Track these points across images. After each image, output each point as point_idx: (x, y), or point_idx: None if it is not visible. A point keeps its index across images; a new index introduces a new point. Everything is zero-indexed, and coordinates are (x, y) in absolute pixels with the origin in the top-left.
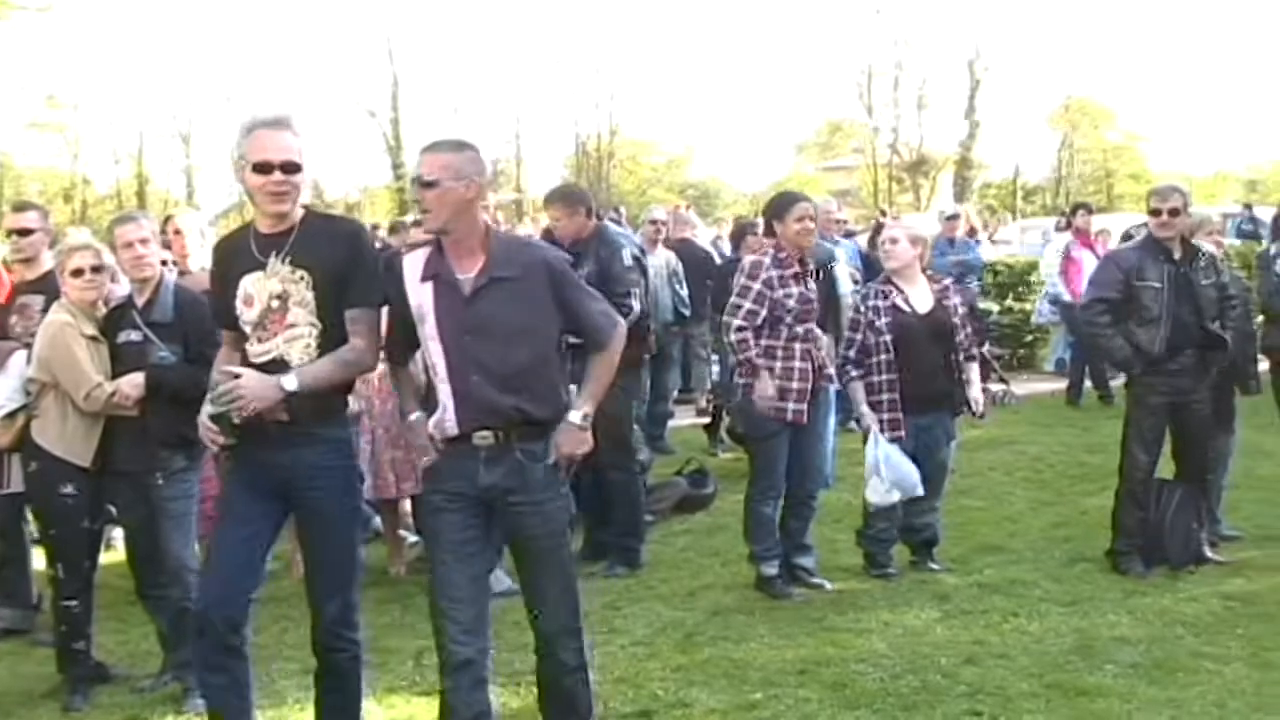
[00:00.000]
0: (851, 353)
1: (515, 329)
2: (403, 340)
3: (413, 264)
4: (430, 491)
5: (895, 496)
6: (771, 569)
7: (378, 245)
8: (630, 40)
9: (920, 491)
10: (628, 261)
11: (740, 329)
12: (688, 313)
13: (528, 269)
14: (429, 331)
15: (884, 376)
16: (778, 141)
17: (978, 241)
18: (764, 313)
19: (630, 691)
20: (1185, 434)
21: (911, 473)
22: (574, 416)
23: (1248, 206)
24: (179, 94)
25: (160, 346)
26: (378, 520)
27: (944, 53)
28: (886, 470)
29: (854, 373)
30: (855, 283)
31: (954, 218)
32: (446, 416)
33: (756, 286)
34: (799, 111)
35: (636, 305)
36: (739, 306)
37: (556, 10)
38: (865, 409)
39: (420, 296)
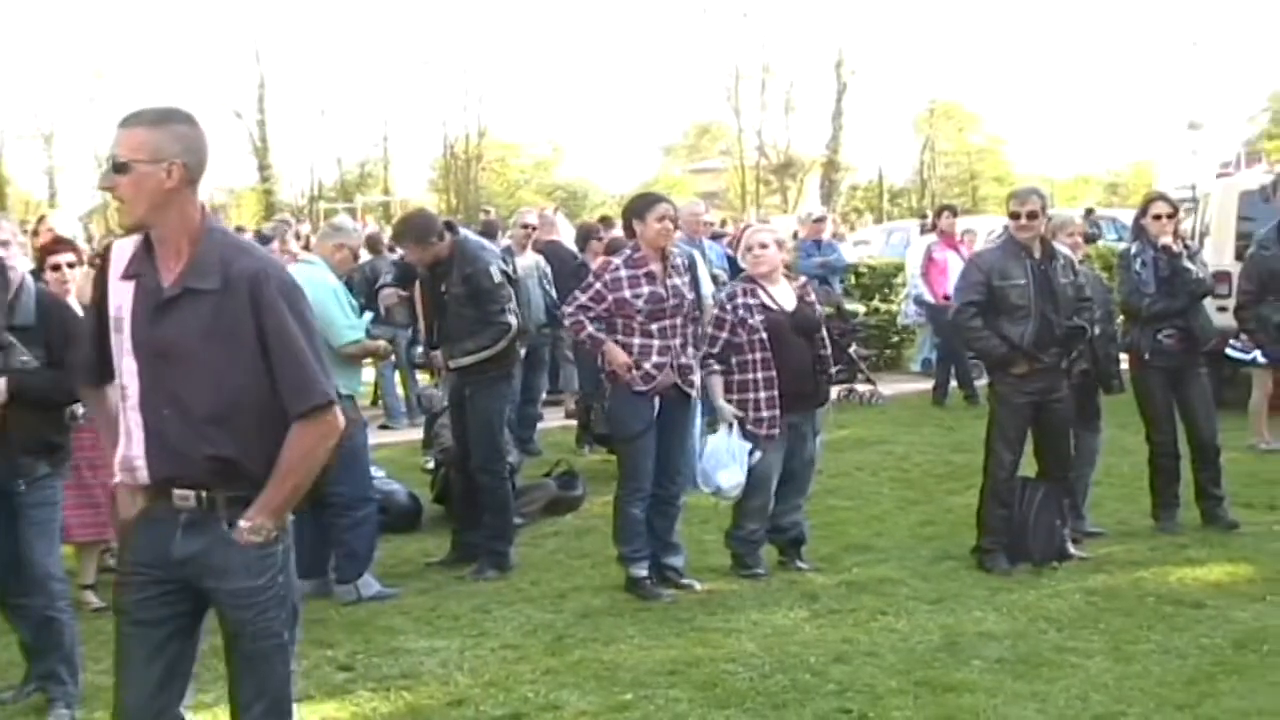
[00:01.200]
0: (715, 349)
1: (207, 356)
2: (96, 351)
3: (119, 254)
4: (121, 560)
5: (739, 488)
6: (641, 570)
7: None
8: (498, 42)
9: (737, 494)
10: (496, 278)
11: (571, 315)
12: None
13: (230, 282)
14: (124, 344)
15: (759, 374)
16: (645, 143)
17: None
18: (599, 308)
19: (500, 694)
20: (1047, 432)
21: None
22: (242, 524)
23: (1089, 211)
24: (40, 94)
25: (22, 351)
26: None
27: (811, 56)
28: (726, 457)
29: (716, 366)
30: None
31: (820, 220)
32: (134, 454)
33: (597, 284)
34: (667, 113)
35: (513, 320)
36: (576, 298)
37: (424, 11)
38: (722, 401)
39: (120, 297)
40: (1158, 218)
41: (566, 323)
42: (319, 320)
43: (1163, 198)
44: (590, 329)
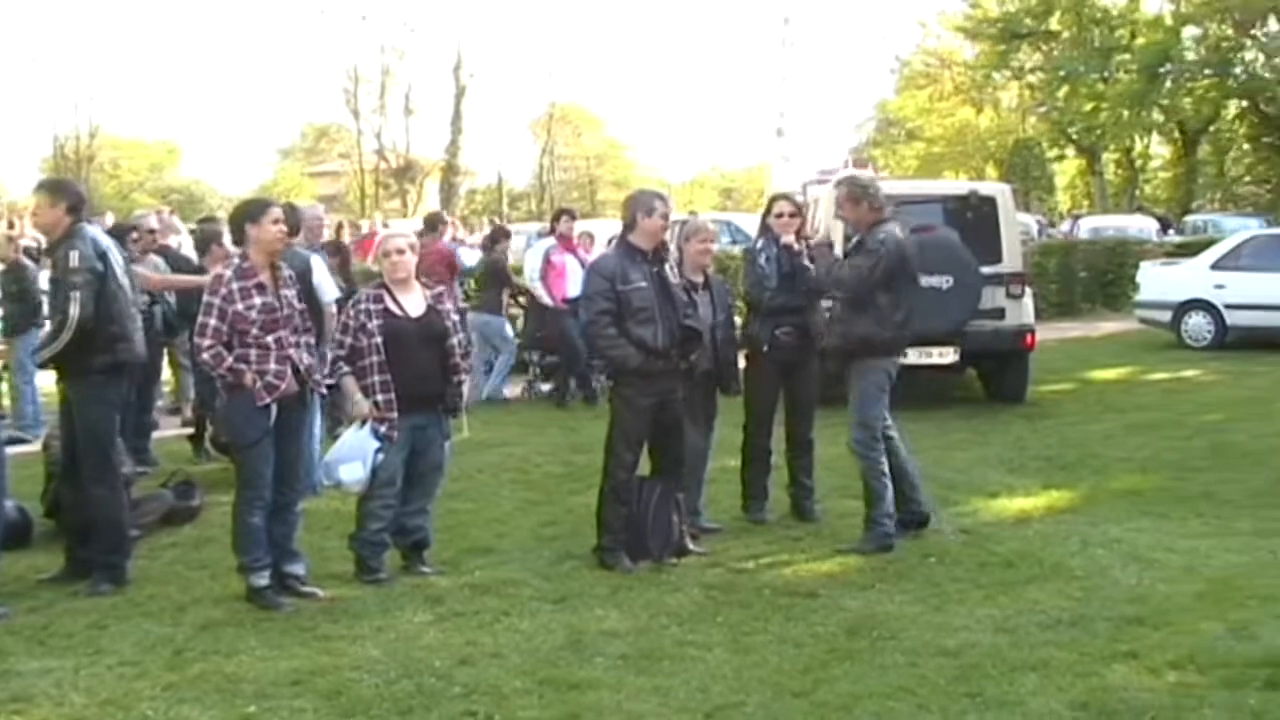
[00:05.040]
0: (343, 351)
1: None
2: None
3: None
4: None
5: (361, 484)
6: (262, 579)
7: None
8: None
9: (359, 489)
10: (73, 263)
11: (210, 348)
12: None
13: None
14: None
15: (376, 378)
16: (263, 145)
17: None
18: (225, 326)
19: (119, 713)
20: (666, 432)
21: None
22: None
23: (693, 213)
24: None
25: None
26: None
27: (430, 59)
28: (352, 453)
29: (345, 368)
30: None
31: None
32: None
33: (218, 302)
34: (285, 115)
35: (73, 311)
36: (205, 326)
37: (32, 7)
38: (358, 397)
39: None
40: (780, 216)
41: (205, 357)
42: None
43: (786, 198)
44: (229, 362)
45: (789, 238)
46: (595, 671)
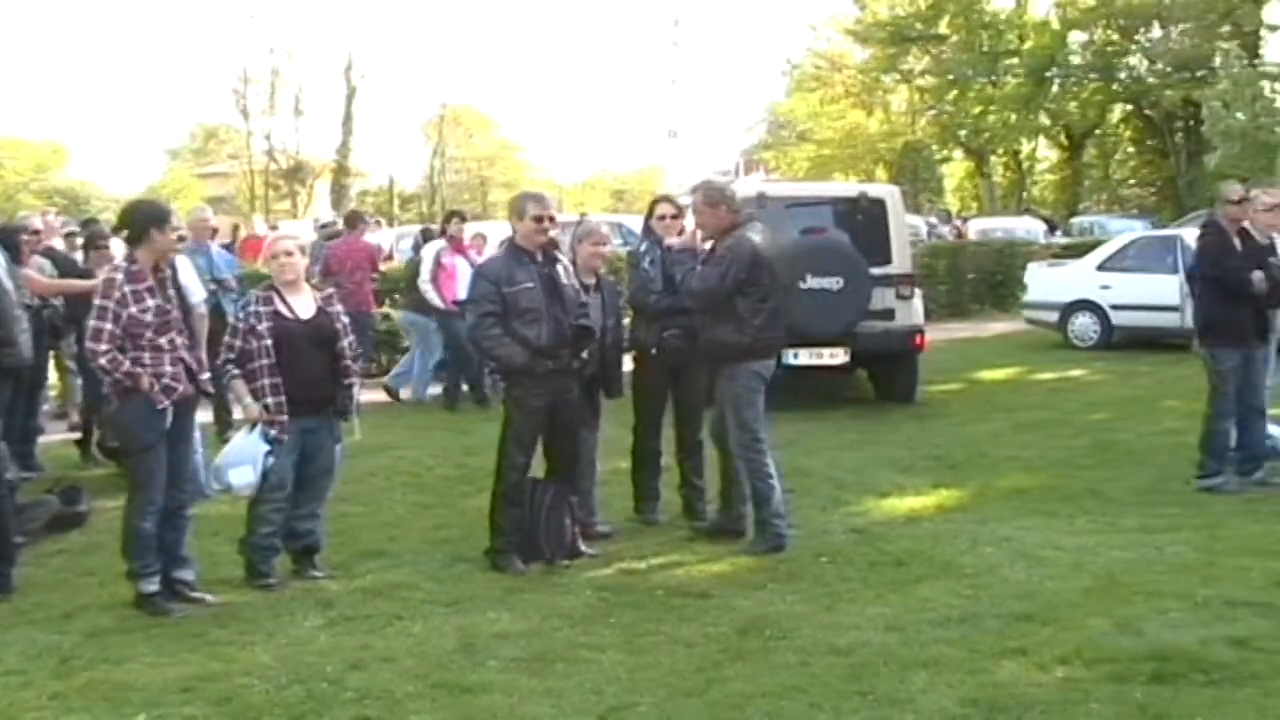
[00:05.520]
0: (233, 354)
1: None
2: None
3: None
4: None
5: (250, 488)
6: (152, 586)
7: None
8: None
9: (249, 492)
10: None
11: (107, 352)
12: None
13: None
14: None
15: (266, 380)
16: (152, 145)
17: None
18: (120, 330)
19: None
20: (558, 433)
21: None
22: None
23: (584, 215)
24: None
25: None
26: None
27: (321, 60)
28: (241, 456)
29: (235, 371)
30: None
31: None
32: None
33: (111, 306)
34: (173, 115)
35: None
36: (100, 331)
37: None
38: (249, 400)
39: None
40: (662, 219)
41: (101, 362)
42: None
43: (667, 200)
44: (126, 365)
45: (672, 240)
46: (488, 674)
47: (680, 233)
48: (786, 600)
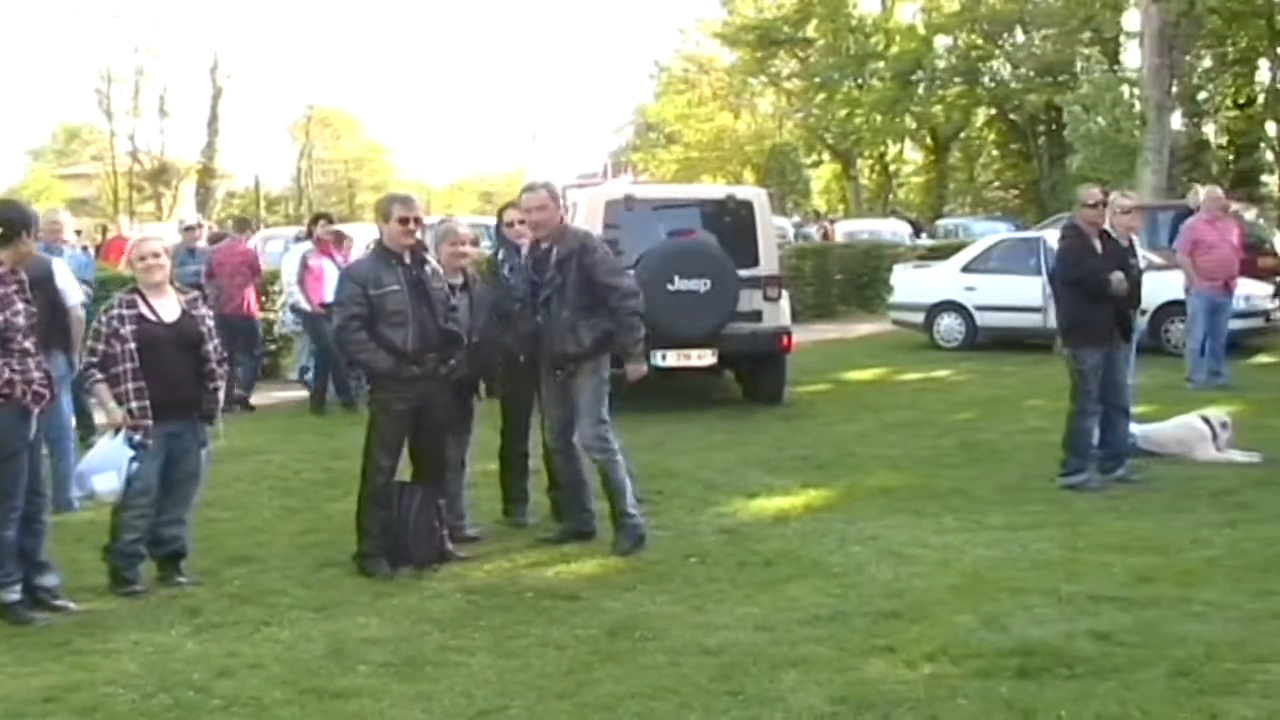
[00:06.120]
0: (95, 359)
1: None
2: None
3: None
4: None
5: (115, 494)
6: (13, 594)
7: None
8: None
9: (113, 499)
10: None
11: None
12: None
13: None
14: None
15: (130, 385)
16: (12, 146)
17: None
18: None
19: None
20: (426, 436)
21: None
22: None
23: (449, 217)
24: None
25: None
26: None
27: (186, 59)
28: (105, 462)
29: (98, 375)
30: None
31: (193, 228)
32: None
33: None
34: (35, 115)
35: None
36: None
37: None
38: (113, 404)
39: None
40: (511, 224)
41: None
42: None
43: (515, 205)
44: (7, 374)
45: (523, 242)
46: (357, 680)
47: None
48: (656, 601)
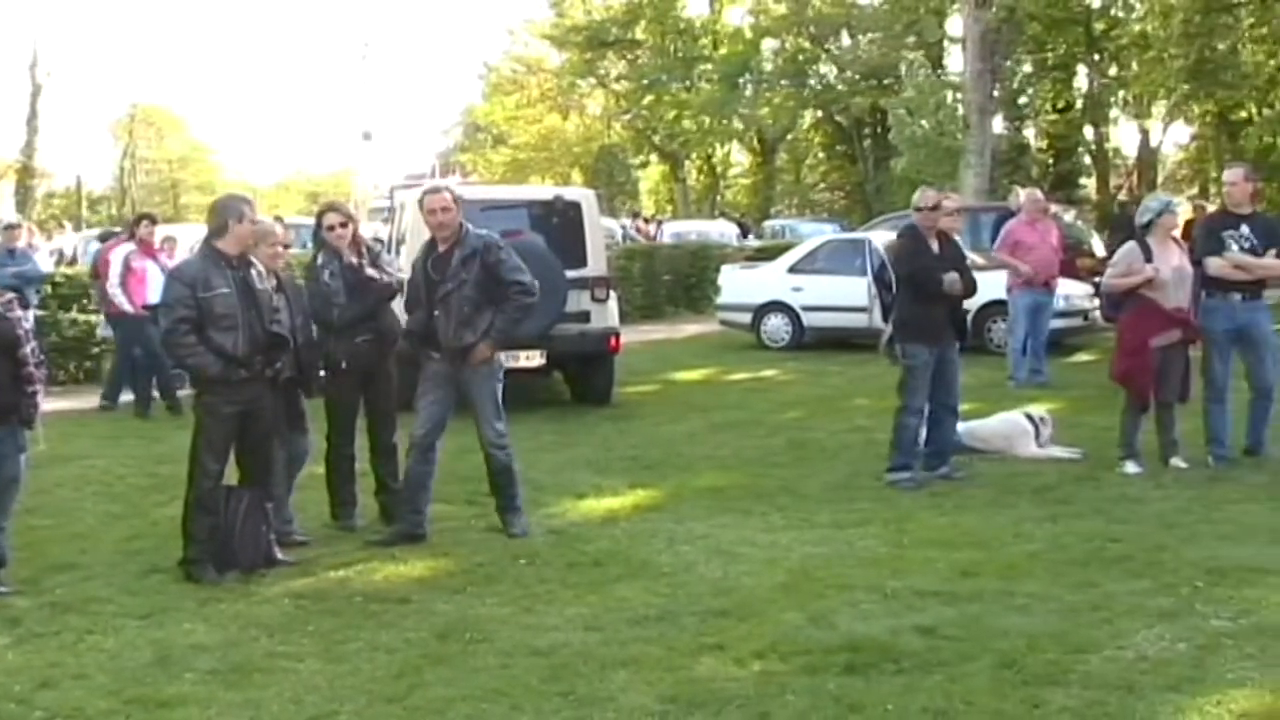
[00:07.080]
0: None
1: None
2: None
3: None
4: None
5: None
6: None
7: None
8: None
9: None
10: None
11: None
12: None
13: None
14: None
15: None
16: None
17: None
18: None
19: None
20: (253, 440)
21: None
22: None
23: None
24: None
25: None
26: None
27: (4, 56)
28: None
29: None
30: None
31: (14, 228)
32: None
33: None
34: None
35: None
36: None
37: None
38: None
39: None
40: (331, 229)
41: None
42: None
43: (334, 209)
44: None
45: (351, 257)
46: (184, 687)
47: (354, 240)
48: (486, 603)
